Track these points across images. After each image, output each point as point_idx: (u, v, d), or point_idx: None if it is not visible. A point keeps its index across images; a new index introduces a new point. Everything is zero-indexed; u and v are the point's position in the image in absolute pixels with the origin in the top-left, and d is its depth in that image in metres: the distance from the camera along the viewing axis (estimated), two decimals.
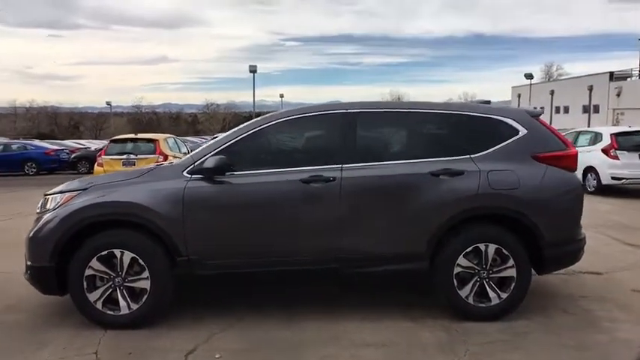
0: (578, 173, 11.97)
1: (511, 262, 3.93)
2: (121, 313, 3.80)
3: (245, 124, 4.23)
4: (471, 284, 3.94)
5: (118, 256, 3.78)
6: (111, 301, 3.82)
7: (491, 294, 3.94)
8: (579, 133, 13.16)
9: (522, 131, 4.13)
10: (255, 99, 37.46)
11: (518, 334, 3.75)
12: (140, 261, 3.78)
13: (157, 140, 12.11)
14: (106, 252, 3.77)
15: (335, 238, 3.85)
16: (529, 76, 44.13)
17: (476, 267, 3.94)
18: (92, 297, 3.79)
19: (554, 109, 44.84)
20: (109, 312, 3.80)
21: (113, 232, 3.82)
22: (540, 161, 4.07)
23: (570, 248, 4.15)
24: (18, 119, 71.16)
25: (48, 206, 4.01)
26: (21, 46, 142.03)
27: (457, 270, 3.91)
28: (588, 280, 5.12)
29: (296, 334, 3.71)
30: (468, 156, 4.02)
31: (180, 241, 3.78)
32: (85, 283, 3.77)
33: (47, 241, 3.77)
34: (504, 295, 3.95)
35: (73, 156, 21.26)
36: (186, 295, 4.39)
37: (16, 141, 24.86)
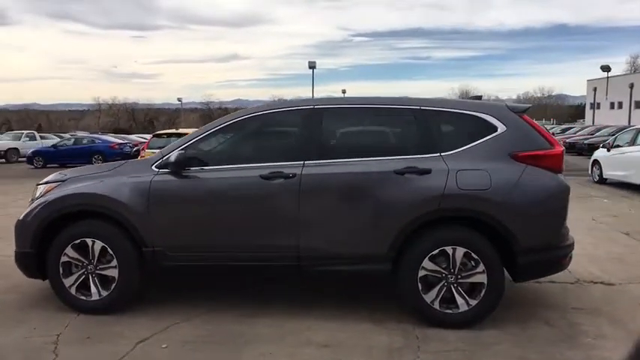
0: (637, 174, 11.23)
1: (481, 267, 3.70)
2: (92, 298, 4.00)
3: (215, 120, 4.29)
4: (437, 289, 3.75)
5: (90, 245, 3.97)
6: (84, 287, 4.03)
7: (459, 300, 3.73)
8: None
9: (501, 128, 3.86)
10: (322, 94, 37.90)
11: (482, 344, 3.52)
12: (109, 250, 3.96)
13: None
14: (79, 240, 3.98)
15: (295, 235, 3.80)
16: (606, 69, 40.91)
17: (443, 271, 3.74)
18: (67, 282, 4.02)
19: (633, 103, 41.30)
20: (81, 297, 4.02)
21: (85, 222, 4.02)
22: (519, 160, 3.78)
23: (550, 255, 3.83)
24: (102, 115, 76.61)
25: (36, 196, 4.30)
26: (108, 46, 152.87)
27: (422, 273, 3.74)
28: (594, 290, 4.69)
29: (247, 330, 3.71)
30: (438, 154, 3.82)
31: (145, 233, 3.91)
32: (61, 269, 4.01)
33: (28, 228, 4.05)
34: (473, 302, 3.73)
35: (135, 149, 22.52)
36: (162, 284, 4.55)
37: (85, 135, 26.77)
